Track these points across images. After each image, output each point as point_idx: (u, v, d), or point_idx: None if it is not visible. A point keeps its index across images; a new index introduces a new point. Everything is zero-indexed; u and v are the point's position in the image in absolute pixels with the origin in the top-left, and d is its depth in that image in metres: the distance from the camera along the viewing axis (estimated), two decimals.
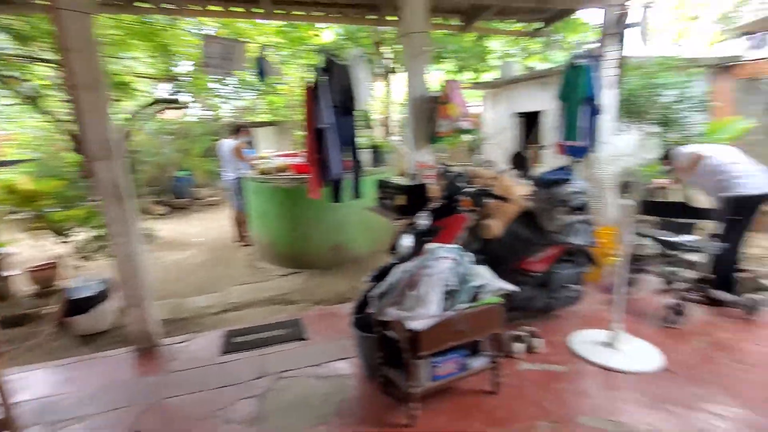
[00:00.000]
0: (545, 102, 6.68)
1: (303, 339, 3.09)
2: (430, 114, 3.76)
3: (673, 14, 9.60)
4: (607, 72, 4.31)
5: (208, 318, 4.04)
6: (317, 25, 8.53)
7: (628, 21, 4.21)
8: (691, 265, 3.22)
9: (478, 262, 2.62)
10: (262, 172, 5.24)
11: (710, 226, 3.10)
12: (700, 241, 3.15)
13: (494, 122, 8.72)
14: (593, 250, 3.11)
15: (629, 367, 2.48)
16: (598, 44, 4.37)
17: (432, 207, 2.49)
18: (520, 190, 2.90)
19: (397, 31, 4.63)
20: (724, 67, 6.98)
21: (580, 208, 2.79)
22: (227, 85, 11.91)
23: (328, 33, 9.14)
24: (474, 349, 2.28)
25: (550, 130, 5.90)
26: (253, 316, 3.98)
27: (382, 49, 9.37)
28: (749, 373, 2.44)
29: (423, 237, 2.39)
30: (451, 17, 4.51)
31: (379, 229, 4.74)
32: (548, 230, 2.76)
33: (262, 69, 3.62)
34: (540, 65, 8.85)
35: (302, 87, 3.02)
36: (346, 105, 3.19)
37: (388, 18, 4.00)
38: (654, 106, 5.08)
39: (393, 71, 9.77)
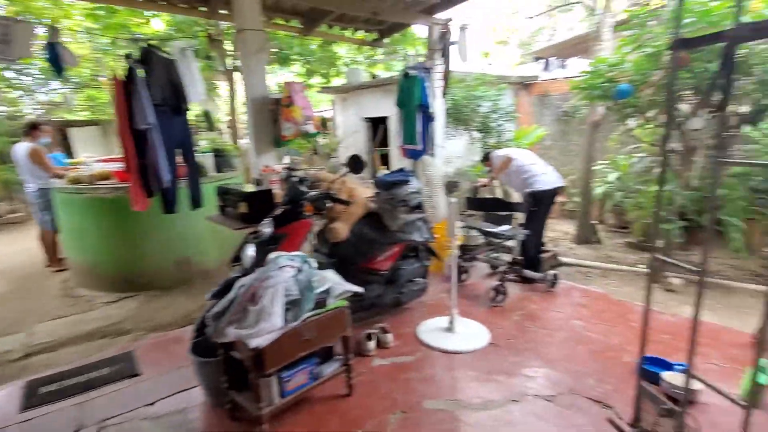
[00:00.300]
0: (389, 108, 7.14)
1: (135, 375, 2.66)
2: (273, 116, 3.64)
3: (487, 37, 11.31)
4: (437, 83, 4.81)
5: (4, 366, 3.19)
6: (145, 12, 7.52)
7: (450, 39, 4.77)
8: (508, 250, 3.80)
9: (328, 265, 2.61)
10: (75, 181, 4.36)
11: (520, 216, 3.70)
12: (512, 230, 3.73)
13: (345, 126, 8.97)
14: (433, 245, 3.43)
15: (464, 348, 2.78)
16: (428, 57, 4.85)
17: (275, 213, 2.40)
18: (364, 192, 3.01)
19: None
20: (524, 85, 8.48)
21: (419, 207, 3.03)
22: (30, 75, 9.72)
23: (157, 22, 8.12)
24: (326, 356, 2.27)
25: (394, 134, 6.32)
26: (70, 356, 3.27)
27: (224, 45, 8.76)
28: (551, 337, 2.98)
29: (267, 246, 2.28)
30: (292, 18, 4.46)
31: (234, 239, 4.40)
32: (392, 229, 2.93)
33: (56, 57, 2.97)
34: (384, 73, 9.44)
35: (111, 81, 2.58)
36: (173, 103, 2.86)
37: (221, 12, 3.73)
38: (475, 115, 5.87)
39: (237, 69, 9.22)
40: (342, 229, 2.63)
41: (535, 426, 2.12)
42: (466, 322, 3.11)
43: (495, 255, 4.05)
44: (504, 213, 4.07)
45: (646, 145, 5.23)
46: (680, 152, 3.94)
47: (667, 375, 2.35)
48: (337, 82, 9.98)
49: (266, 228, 2.31)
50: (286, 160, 3.46)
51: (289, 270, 1.89)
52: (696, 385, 2.24)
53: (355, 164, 2.39)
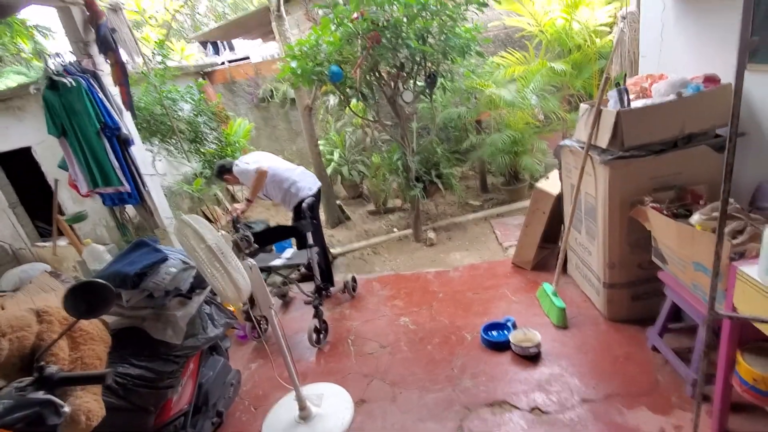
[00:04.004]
0: (30, 135, 4.78)
1: None
2: None
3: (149, 24, 9.20)
4: (112, 90, 3.38)
5: None
6: None
7: (108, 25, 3.34)
8: (307, 276, 3.26)
9: None
10: None
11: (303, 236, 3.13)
12: (299, 254, 3.17)
13: None
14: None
15: None
16: (79, 55, 3.28)
17: None
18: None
19: None
20: (204, 74, 7.44)
21: (197, 287, 2.00)
22: None
23: None
24: None
25: (65, 175, 4.00)
26: None
27: None
28: (399, 352, 2.69)
29: None
30: None
31: None
32: (173, 342, 1.82)
33: None
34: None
35: None
36: None
37: None
38: (178, 121, 4.63)
39: None
40: (97, 407, 1.37)
41: None
42: (313, 391, 2.44)
43: (290, 285, 3.42)
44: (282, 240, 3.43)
45: (357, 120, 5.50)
46: (397, 123, 4.24)
47: (512, 338, 2.50)
48: None
49: None
50: None
51: None
52: (537, 336, 2.48)
53: (86, 300, 1.15)
